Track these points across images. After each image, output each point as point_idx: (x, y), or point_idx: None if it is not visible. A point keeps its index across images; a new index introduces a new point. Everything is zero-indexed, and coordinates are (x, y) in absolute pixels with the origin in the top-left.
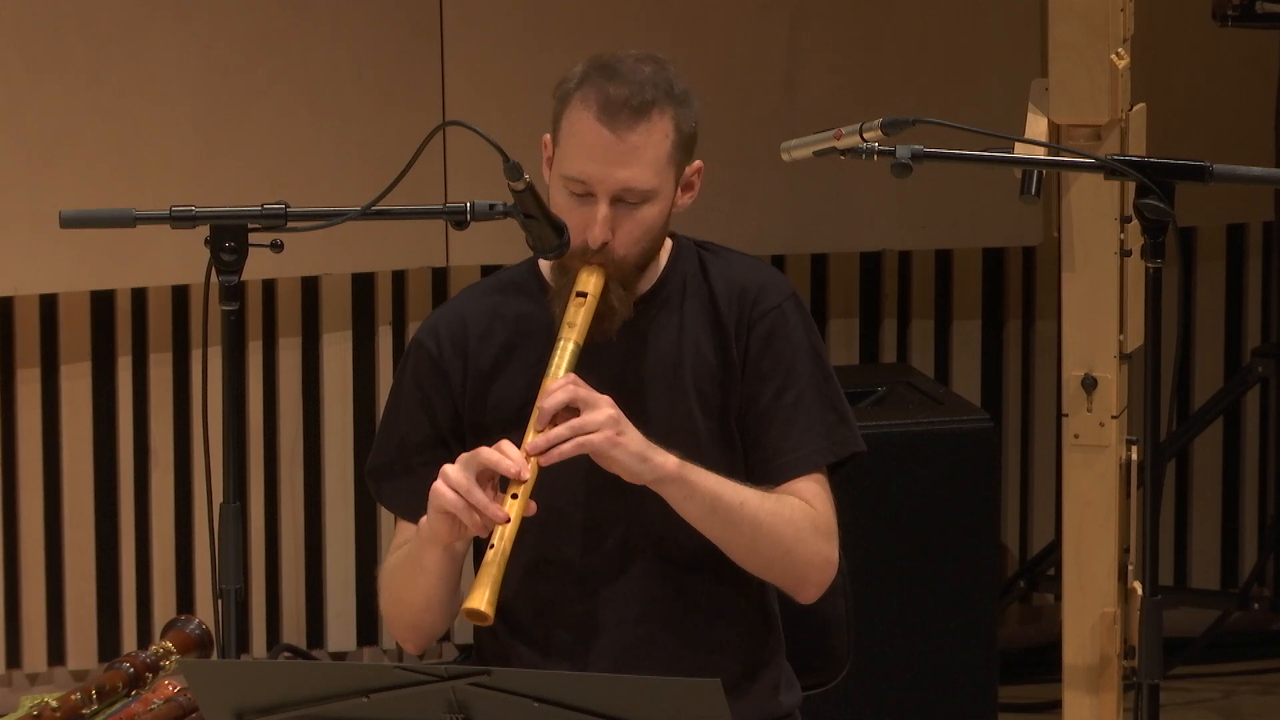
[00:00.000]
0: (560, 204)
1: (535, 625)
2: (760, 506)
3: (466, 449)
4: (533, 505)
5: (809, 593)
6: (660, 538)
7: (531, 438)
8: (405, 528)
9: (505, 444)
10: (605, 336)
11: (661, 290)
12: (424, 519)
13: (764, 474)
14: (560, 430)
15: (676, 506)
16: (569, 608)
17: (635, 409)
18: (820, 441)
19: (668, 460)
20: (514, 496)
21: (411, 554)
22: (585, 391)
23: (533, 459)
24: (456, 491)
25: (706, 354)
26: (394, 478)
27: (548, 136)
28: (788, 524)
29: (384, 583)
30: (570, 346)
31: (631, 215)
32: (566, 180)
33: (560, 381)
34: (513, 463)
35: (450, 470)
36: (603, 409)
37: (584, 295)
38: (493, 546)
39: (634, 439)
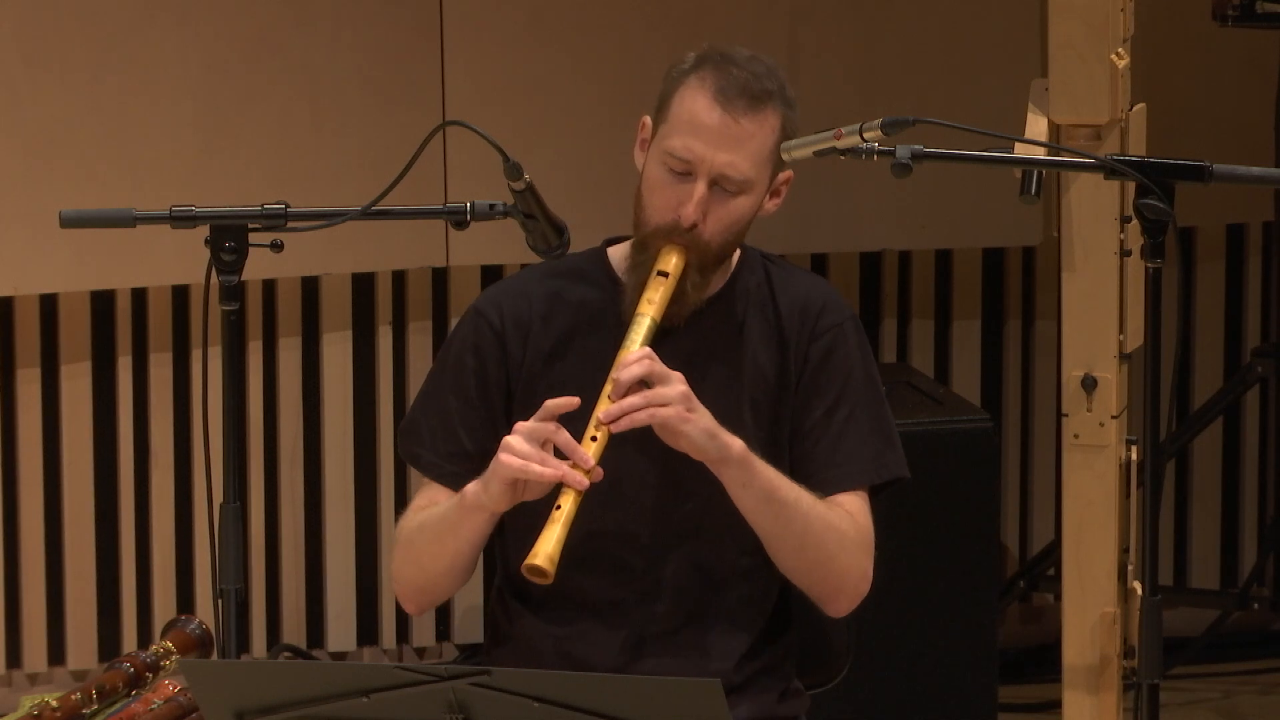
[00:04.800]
0: (654, 178)
1: (558, 605)
2: (812, 508)
3: (508, 424)
4: (600, 471)
5: (841, 604)
6: (699, 533)
7: (605, 406)
8: (435, 491)
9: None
10: (675, 321)
11: (727, 294)
12: (472, 487)
13: (810, 486)
14: (635, 400)
15: (733, 492)
16: (595, 594)
17: None
18: (866, 462)
19: (734, 442)
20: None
21: (448, 518)
22: (660, 367)
23: (605, 426)
24: (528, 460)
25: (764, 363)
26: (433, 440)
27: (647, 118)
28: (834, 530)
29: (403, 541)
30: (647, 322)
31: (725, 202)
32: (667, 155)
33: (637, 354)
34: (586, 457)
35: (513, 440)
36: (675, 385)
37: (665, 274)
38: (559, 508)
39: (704, 416)
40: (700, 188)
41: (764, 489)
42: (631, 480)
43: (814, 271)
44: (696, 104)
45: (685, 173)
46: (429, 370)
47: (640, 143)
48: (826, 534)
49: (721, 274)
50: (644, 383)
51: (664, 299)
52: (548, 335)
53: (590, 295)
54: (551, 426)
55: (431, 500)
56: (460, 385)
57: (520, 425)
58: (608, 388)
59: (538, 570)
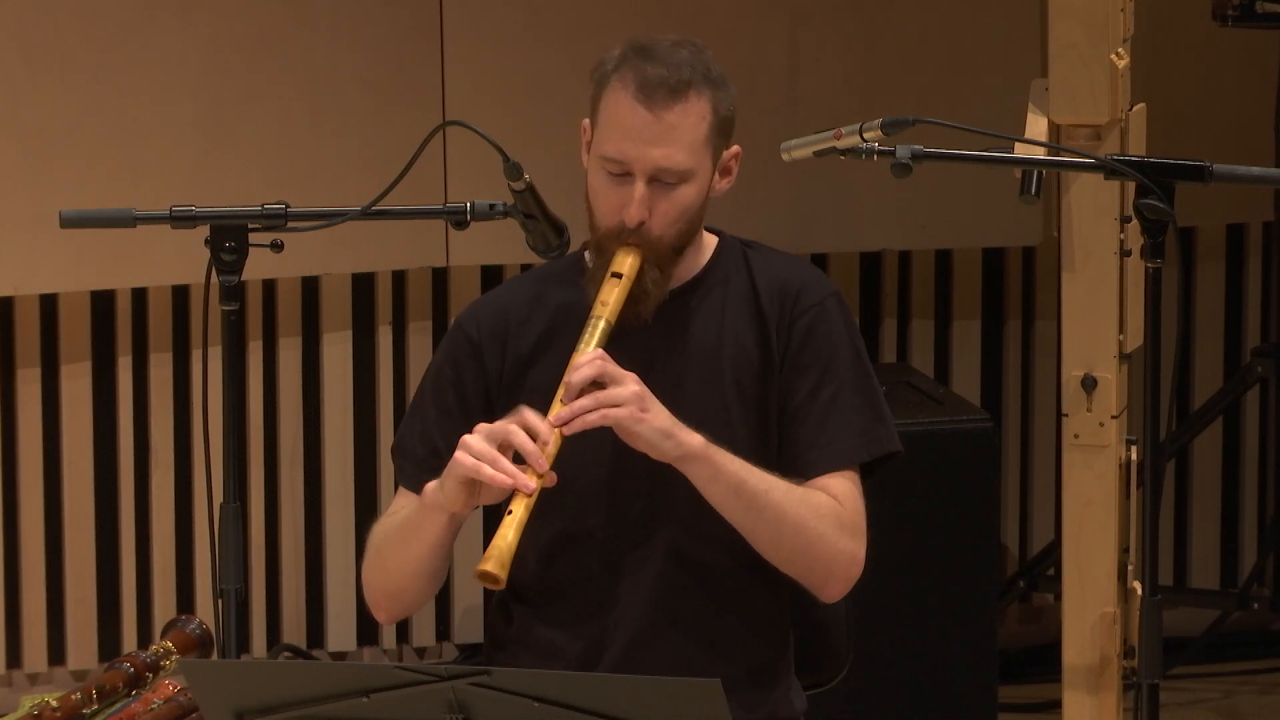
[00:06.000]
0: (596, 185)
1: (552, 603)
2: (786, 497)
3: None
4: (553, 476)
5: (833, 590)
6: (682, 524)
7: (557, 409)
8: (404, 497)
9: (528, 412)
10: (640, 320)
11: (704, 281)
12: (431, 485)
13: (796, 468)
14: (585, 402)
15: (701, 488)
16: (587, 587)
17: (670, 395)
18: (855, 439)
19: (693, 439)
20: None
21: (410, 520)
22: (612, 367)
23: (556, 430)
24: (480, 459)
25: (747, 346)
26: (411, 451)
27: (586, 121)
28: (813, 517)
29: (372, 546)
30: (601, 324)
31: (668, 195)
32: (604, 160)
33: (588, 356)
34: (544, 426)
35: (471, 440)
36: (629, 385)
37: (619, 276)
38: (510, 513)
39: (659, 415)
40: (640, 187)
41: (731, 482)
42: (614, 475)
43: None
44: (620, 105)
45: (624, 174)
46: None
47: (585, 145)
48: (805, 522)
49: (694, 262)
50: (602, 384)
51: (618, 300)
52: (525, 339)
53: (566, 297)
54: (511, 427)
55: (399, 506)
56: (439, 397)
57: (481, 426)
58: (560, 391)
59: (489, 576)
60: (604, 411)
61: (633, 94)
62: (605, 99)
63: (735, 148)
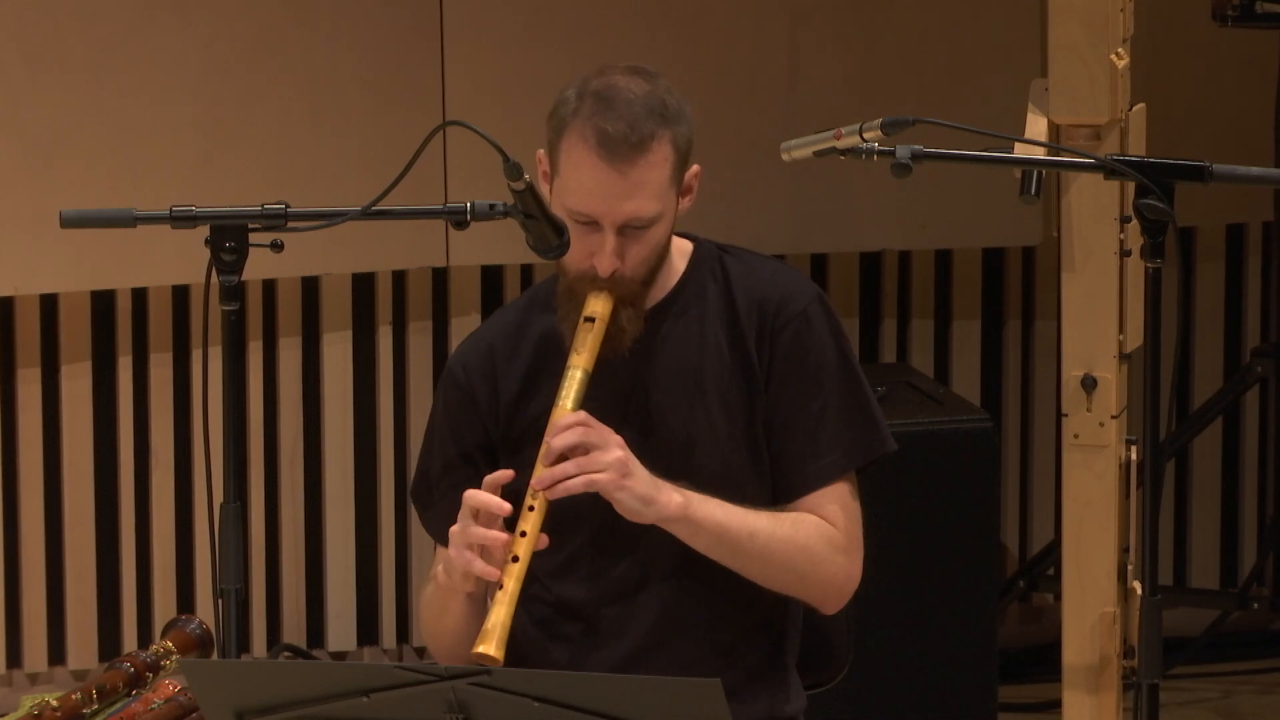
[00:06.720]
0: None
1: (547, 618)
2: (772, 535)
3: (494, 468)
4: (544, 539)
5: (830, 606)
6: (676, 540)
7: (539, 472)
8: (440, 553)
9: (487, 497)
10: (618, 355)
11: (679, 296)
12: (441, 572)
13: (790, 484)
14: (567, 467)
15: (684, 540)
16: (582, 604)
17: (654, 418)
18: (847, 448)
19: (671, 502)
20: (522, 534)
21: (439, 602)
22: (595, 434)
23: (540, 493)
24: (465, 539)
25: (728, 361)
26: (428, 505)
27: (542, 152)
28: (801, 550)
29: (421, 618)
30: (579, 375)
31: (639, 239)
32: (570, 212)
33: (570, 419)
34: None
35: (456, 530)
36: (612, 450)
37: (591, 320)
38: (502, 587)
39: (640, 482)
40: (610, 239)
41: (712, 535)
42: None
43: (813, 271)
44: (583, 162)
45: (591, 223)
46: (426, 424)
47: (541, 174)
48: (793, 556)
49: (668, 277)
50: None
51: (593, 346)
52: (514, 374)
53: (549, 324)
54: (492, 502)
55: (439, 567)
56: (441, 447)
57: (461, 512)
58: (542, 452)
59: (485, 658)
60: (587, 477)
61: (594, 150)
62: (566, 149)
63: (694, 168)
